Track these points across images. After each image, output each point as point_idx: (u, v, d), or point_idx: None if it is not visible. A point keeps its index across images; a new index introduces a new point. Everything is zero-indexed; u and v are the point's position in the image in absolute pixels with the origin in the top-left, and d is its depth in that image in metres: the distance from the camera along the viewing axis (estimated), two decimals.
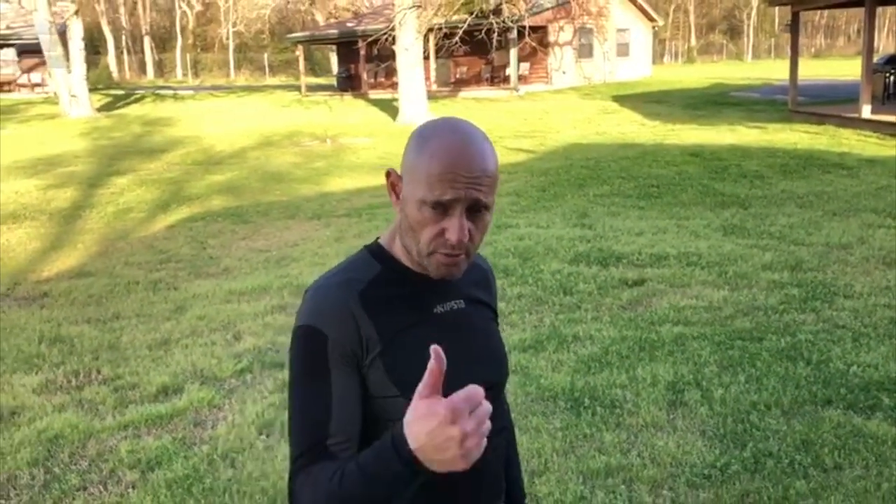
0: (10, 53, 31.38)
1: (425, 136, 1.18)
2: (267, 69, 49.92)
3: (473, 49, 25.90)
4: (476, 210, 1.16)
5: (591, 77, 30.23)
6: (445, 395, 1.04)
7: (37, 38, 23.65)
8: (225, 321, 5.47)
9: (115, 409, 4.05)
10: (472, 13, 21.31)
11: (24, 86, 31.40)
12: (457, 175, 1.13)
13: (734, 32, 67.29)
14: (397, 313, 1.21)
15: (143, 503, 3.13)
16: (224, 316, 5.58)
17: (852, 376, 4.00)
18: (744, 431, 3.49)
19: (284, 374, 4.42)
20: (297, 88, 31.22)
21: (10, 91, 30.81)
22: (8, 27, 30.61)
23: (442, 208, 1.15)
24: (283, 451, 3.51)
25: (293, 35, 35.04)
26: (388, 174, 1.26)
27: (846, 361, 4.19)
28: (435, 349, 0.99)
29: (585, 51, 30.51)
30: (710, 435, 3.48)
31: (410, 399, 1.02)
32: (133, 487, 3.28)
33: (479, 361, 1.26)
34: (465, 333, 1.27)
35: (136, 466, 3.44)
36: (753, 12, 61.93)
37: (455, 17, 21.54)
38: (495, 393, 1.26)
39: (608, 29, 31.33)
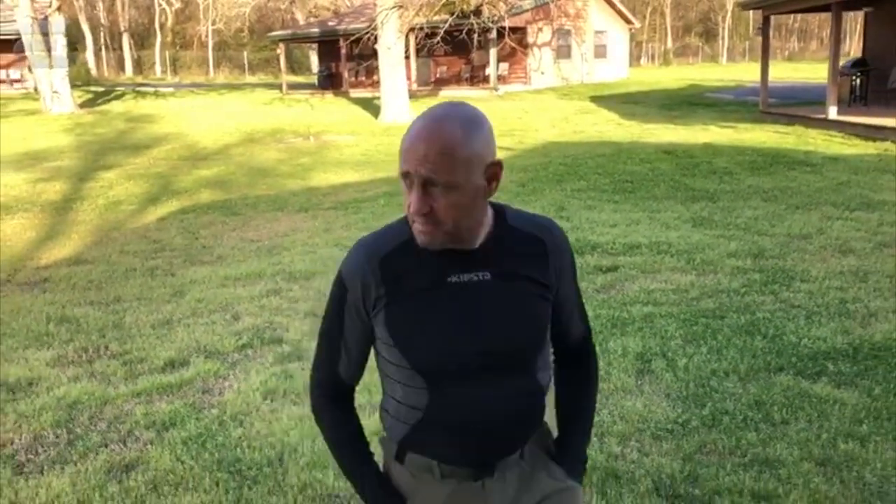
0: None
1: (419, 115, 1.37)
2: (246, 67, 49.95)
3: (454, 49, 26.27)
4: (432, 186, 1.30)
5: (569, 78, 30.73)
6: (437, 357, 1.41)
7: (16, 34, 23.65)
8: (223, 303, 5.78)
9: (126, 380, 4.36)
10: (452, 14, 21.69)
11: (2, 81, 31.26)
12: (410, 151, 1.30)
13: (709, 35, 68.30)
14: (410, 278, 1.40)
15: (161, 457, 3.45)
16: (222, 299, 5.89)
17: (803, 347, 4.41)
18: (704, 394, 3.88)
19: (284, 349, 4.76)
20: (278, 87, 31.41)
21: None
22: None
23: (407, 181, 1.33)
24: (288, 412, 3.84)
25: (274, 33, 35.18)
26: None
27: (798, 335, 4.60)
28: None
29: (564, 52, 31.01)
30: (673, 397, 3.87)
31: (401, 348, 1.42)
32: (151, 444, 3.60)
33: (480, 331, 1.39)
34: (475, 303, 1.39)
35: (151, 427, 3.75)
36: (728, 16, 62.93)
37: (436, 18, 21.90)
38: (501, 360, 1.41)
39: (586, 31, 31.85)
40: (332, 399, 1.57)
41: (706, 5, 68.04)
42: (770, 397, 3.80)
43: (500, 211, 1.48)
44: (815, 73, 31.66)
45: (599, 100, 24.02)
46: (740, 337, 4.61)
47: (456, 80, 29.25)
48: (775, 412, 3.65)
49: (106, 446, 3.59)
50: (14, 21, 23.62)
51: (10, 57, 30.27)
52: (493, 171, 1.36)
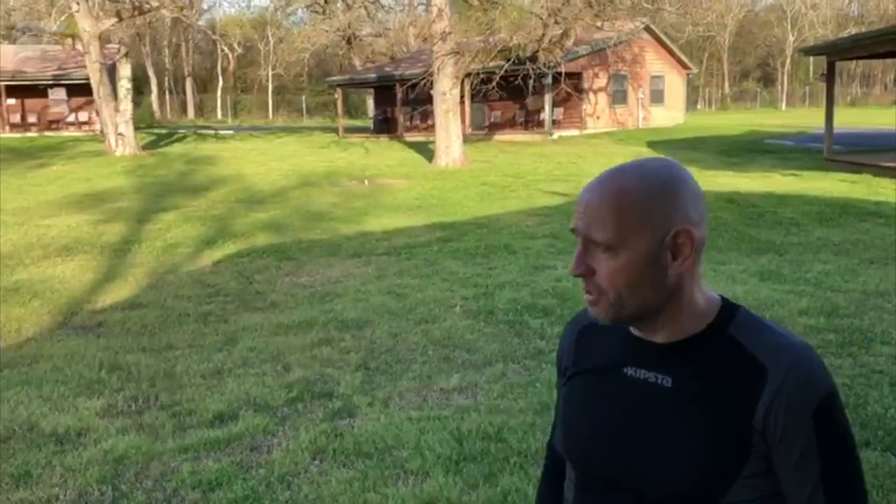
0: (60, 93, 32.53)
1: None
2: (304, 111, 51.03)
3: (508, 93, 26.36)
4: (594, 245, 1.11)
5: (624, 123, 30.52)
6: (584, 455, 1.20)
7: (86, 78, 24.58)
8: (274, 352, 5.69)
9: (174, 434, 4.25)
10: (508, 59, 21.76)
11: (72, 124, 32.47)
12: (578, 204, 1.14)
13: (768, 80, 67.46)
14: (593, 357, 1.23)
15: None
16: (273, 348, 5.80)
17: (890, 420, 4.08)
18: None
19: (335, 404, 4.61)
20: (335, 130, 31.91)
21: (59, 129, 31.88)
22: (60, 68, 31.82)
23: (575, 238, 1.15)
24: (337, 475, 3.67)
25: (332, 78, 35.89)
26: None
27: (883, 405, 4.27)
28: None
29: (619, 97, 30.85)
30: None
31: (562, 428, 1.26)
32: None
33: (641, 449, 1.13)
34: (640, 409, 1.14)
35: (197, 487, 3.62)
36: (788, 61, 62.13)
37: (492, 63, 22.02)
38: (635, 496, 1.13)
39: (643, 76, 31.70)
40: (550, 471, 1.42)
41: (764, 50, 67.33)
42: None
43: (728, 313, 1.15)
44: (879, 119, 30.86)
45: (656, 145, 23.73)
46: None
47: (510, 124, 29.31)
48: None
49: None
50: (84, 67, 24.55)
51: (80, 100, 31.52)
52: (679, 241, 1.09)
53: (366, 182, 17.31)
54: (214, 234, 11.17)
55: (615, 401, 1.17)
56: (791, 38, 60.92)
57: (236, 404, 4.66)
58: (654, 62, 32.51)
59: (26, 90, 31.75)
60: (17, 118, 32.04)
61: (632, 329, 1.18)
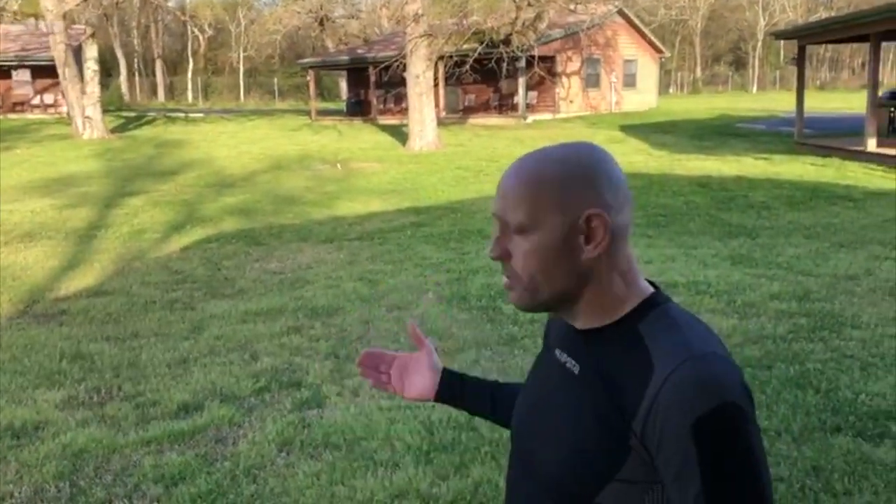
0: (24, 74, 31.82)
1: None
2: (276, 93, 50.43)
3: (482, 77, 26.21)
4: (511, 229, 1.08)
5: (597, 106, 30.52)
6: (513, 443, 1.22)
7: (51, 60, 24.00)
8: (242, 341, 5.57)
9: (137, 426, 4.14)
10: (482, 42, 21.60)
11: (37, 106, 31.80)
12: (497, 188, 1.12)
13: (739, 64, 67.87)
14: (550, 335, 1.24)
15: None
16: (241, 336, 5.68)
17: (860, 404, 4.08)
18: None
19: (302, 394, 4.52)
20: (307, 113, 31.55)
21: (23, 111, 31.19)
22: (23, 48, 31.08)
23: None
24: (304, 468, 3.59)
25: (304, 60, 35.46)
26: None
27: (854, 390, 4.27)
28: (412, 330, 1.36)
29: (592, 80, 30.83)
30: None
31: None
32: (158, 501, 3.36)
33: (548, 432, 1.11)
34: (552, 391, 1.14)
35: (160, 481, 3.52)
36: (759, 45, 62.52)
37: (466, 46, 21.85)
38: (534, 475, 1.12)
39: (615, 59, 31.68)
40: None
41: (736, 34, 67.71)
42: (829, 462, 3.48)
43: (648, 306, 1.07)
44: (848, 103, 31.17)
45: (629, 129, 23.75)
46: (790, 391, 4.29)
47: (484, 108, 29.17)
48: (836, 481, 3.32)
49: (110, 502, 3.36)
50: (48, 48, 23.97)
51: (45, 82, 30.83)
52: (593, 225, 1.04)
53: (338, 166, 17.12)
54: (183, 220, 10.96)
55: (541, 379, 1.20)
56: (762, 22, 61.30)
57: (202, 395, 4.55)
58: (627, 46, 32.50)
59: None
60: None
61: None
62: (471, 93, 29.71)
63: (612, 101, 31.54)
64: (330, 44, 41.76)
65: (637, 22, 33.24)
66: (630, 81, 32.97)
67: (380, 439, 3.85)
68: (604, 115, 29.10)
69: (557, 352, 1.15)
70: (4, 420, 4.15)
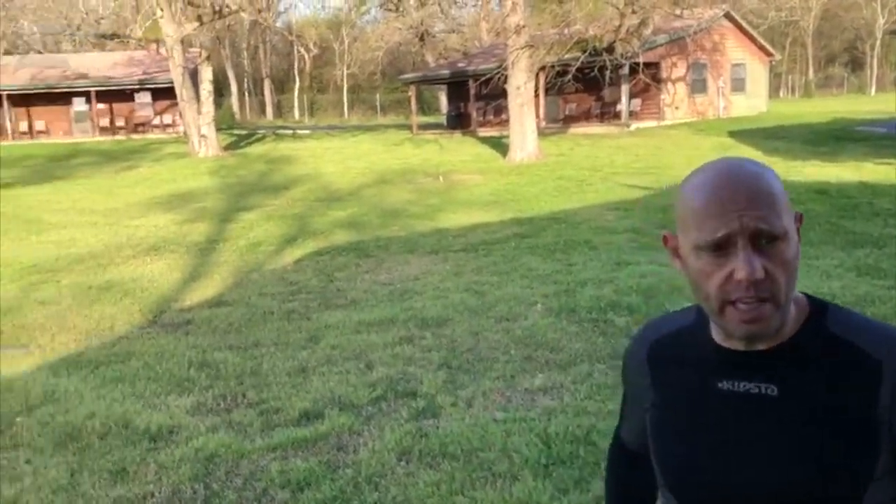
0: (146, 97, 33.75)
1: (687, 179, 1.07)
2: (378, 109, 51.52)
3: (584, 86, 25.95)
4: (765, 241, 0.98)
5: (704, 112, 29.68)
6: (695, 486, 1.08)
7: (170, 82, 25.41)
8: (357, 351, 5.70)
9: (262, 432, 4.30)
10: (584, 51, 21.41)
11: (157, 126, 33.66)
12: (724, 205, 0.98)
13: (856, 65, 64.52)
14: (676, 375, 1.13)
15: None
16: (355, 346, 5.82)
17: None
18: None
19: (419, 403, 4.58)
20: (408, 127, 32.07)
21: (144, 132, 33.08)
22: (145, 72, 32.99)
23: (719, 249, 0.99)
24: (424, 477, 3.64)
25: (405, 76, 36.08)
26: (666, 239, 1.11)
27: None
28: None
29: (699, 86, 30.00)
30: None
31: (657, 458, 1.16)
32: None
33: (753, 463, 1.04)
34: (751, 425, 1.05)
35: (286, 486, 3.64)
36: (878, 43, 59.25)
37: (567, 56, 21.71)
38: None
39: (723, 64, 30.75)
40: (624, 457, 1.40)
41: (852, 34, 64.42)
42: None
43: (818, 308, 1.07)
44: None
45: (738, 135, 22.95)
46: None
47: (586, 116, 28.86)
48: None
49: None
50: (168, 71, 25.36)
51: (164, 104, 32.63)
52: (798, 227, 1.04)
53: (440, 178, 17.32)
54: (295, 233, 11.34)
55: (713, 420, 1.08)
56: (881, 20, 58.03)
57: (321, 403, 4.68)
58: (735, 49, 31.46)
59: (114, 95, 33.06)
60: (106, 122, 33.39)
61: (717, 339, 1.08)
62: (571, 102, 29.46)
63: (720, 107, 30.59)
64: (430, 58, 42.36)
65: (745, 25, 32.16)
66: (738, 86, 31.89)
67: (497, 451, 3.86)
68: (711, 122, 28.25)
69: (724, 384, 1.07)
70: (142, 424, 4.40)
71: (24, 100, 32.91)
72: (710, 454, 1.08)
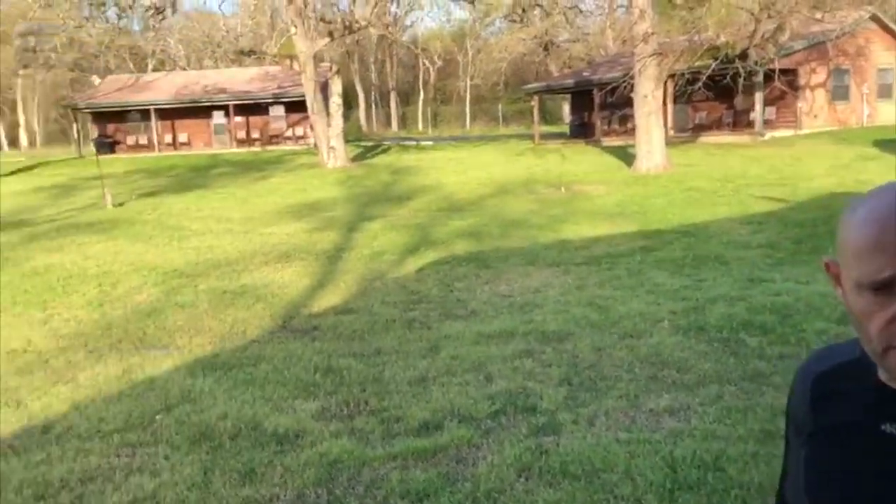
0: (279, 110, 35.36)
1: (853, 207, 0.98)
2: (500, 119, 51.71)
3: (715, 94, 25.07)
4: None
5: (846, 121, 27.98)
6: None
7: (301, 96, 26.47)
8: (476, 362, 5.70)
9: (383, 440, 4.36)
10: (716, 58, 20.66)
11: (289, 138, 35.18)
12: (892, 242, 0.91)
13: None
14: (838, 411, 1.07)
15: None
16: (475, 357, 5.81)
17: None
18: None
19: (538, 419, 4.51)
20: (530, 137, 31.98)
21: (278, 143, 34.65)
22: (279, 87, 34.57)
23: (884, 289, 0.92)
24: (544, 495, 3.57)
25: (529, 86, 36.04)
26: (828, 266, 1.04)
27: None
28: None
29: (840, 93, 28.32)
30: None
31: (811, 499, 1.05)
32: None
33: None
34: None
35: (406, 496, 3.67)
36: None
37: (698, 63, 21.02)
38: None
39: (867, 69, 28.91)
40: None
41: None
42: None
43: None
44: None
45: (885, 144, 21.45)
46: None
47: (716, 125, 27.83)
48: None
49: None
50: (300, 85, 26.45)
51: (296, 117, 34.07)
52: None
53: (563, 189, 17.13)
54: (417, 242, 11.51)
55: (871, 464, 1.00)
56: None
57: (441, 413, 4.70)
58: (882, 54, 29.48)
59: (250, 108, 34.89)
60: (242, 134, 35.26)
61: (882, 378, 0.99)
62: (701, 110, 28.49)
63: (864, 115, 28.74)
64: (553, 68, 42.12)
65: (894, 27, 30.09)
66: (885, 92, 29.85)
67: (619, 473, 3.74)
68: (854, 130, 26.57)
69: (889, 427, 0.99)
70: (270, 427, 4.55)
71: (169, 114, 35.26)
72: (864, 499, 1.00)
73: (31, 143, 53.44)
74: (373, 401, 5.00)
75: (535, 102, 33.71)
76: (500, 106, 52.62)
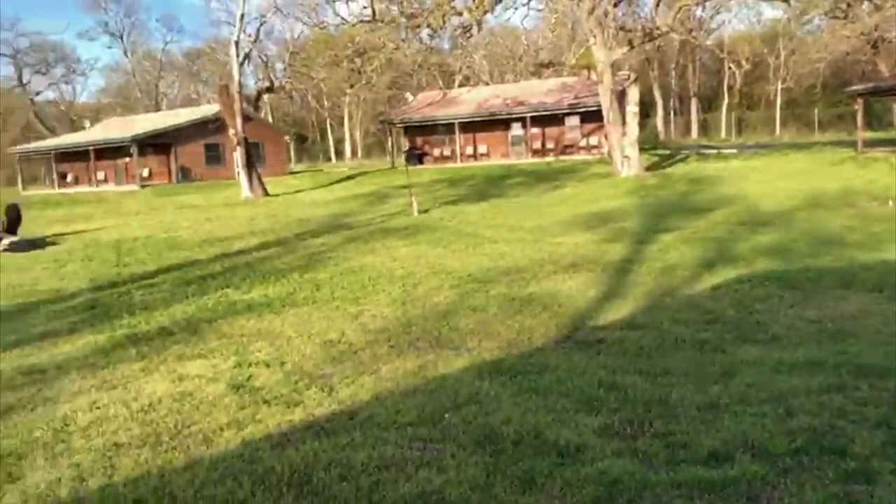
0: (574, 120, 35.76)
1: None
2: (816, 125, 47.22)
3: None
4: None
5: None
6: None
7: (597, 105, 26.47)
8: (775, 393, 5.22)
9: (667, 465, 4.16)
10: None
11: (583, 148, 35.41)
12: None
13: None
14: None
15: None
16: (774, 387, 5.33)
17: None
18: None
19: (848, 465, 4.01)
20: (852, 144, 28.77)
21: (571, 153, 35.04)
22: (575, 97, 34.94)
23: None
24: None
25: (852, 88, 32.46)
26: None
27: None
28: None
29: None
30: None
31: None
32: None
33: None
34: None
35: None
36: None
37: None
38: None
39: None
40: None
41: None
42: None
43: None
44: None
45: None
46: None
47: None
48: None
49: None
50: (596, 95, 26.46)
51: (590, 126, 34.19)
52: None
53: (890, 203, 15.14)
54: (713, 258, 10.90)
55: None
56: None
57: (732, 444, 4.37)
58: None
59: (546, 119, 35.75)
60: (538, 145, 36.27)
61: None
62: None
63: None
64: (884, 67, 37.48)
65: None
66: None
67: None
68: None
69: None
70: (552, 437, 4.57)
71: (470, 126, 37.37)
72: None
73: (354, 154, 59.97)
74: (658, 423, 4.80)
75: (858, 105, 30.22)
76: (815, 110, 48.06)
